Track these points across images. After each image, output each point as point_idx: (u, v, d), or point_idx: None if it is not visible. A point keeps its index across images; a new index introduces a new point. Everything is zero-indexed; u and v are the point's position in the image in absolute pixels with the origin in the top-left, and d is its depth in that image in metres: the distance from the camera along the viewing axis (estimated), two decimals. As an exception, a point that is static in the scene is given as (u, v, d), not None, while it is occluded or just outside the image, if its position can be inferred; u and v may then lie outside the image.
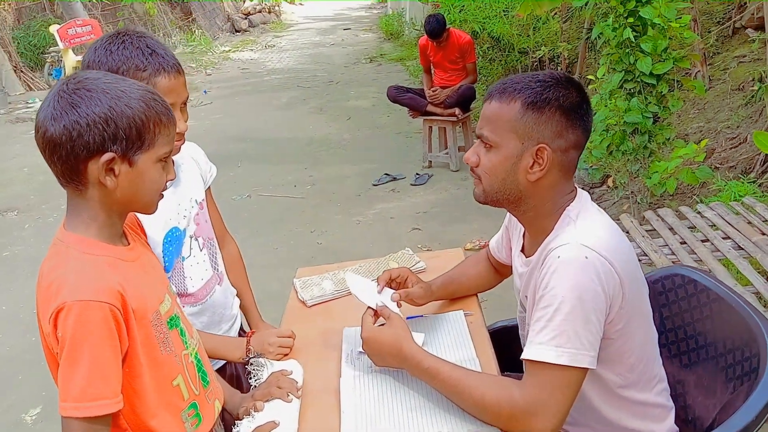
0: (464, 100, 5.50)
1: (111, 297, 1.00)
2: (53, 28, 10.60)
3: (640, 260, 2.30)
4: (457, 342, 1.50)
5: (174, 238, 1.49)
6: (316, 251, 4.31)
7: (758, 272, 2.50)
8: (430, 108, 5.58)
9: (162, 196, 1.13)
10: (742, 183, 3.74)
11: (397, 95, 5.72)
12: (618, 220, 3.21)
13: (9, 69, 11.06)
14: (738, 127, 4.50)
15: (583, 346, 1.16)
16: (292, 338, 1.57)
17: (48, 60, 11.52)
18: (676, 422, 1.42)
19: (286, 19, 20.93)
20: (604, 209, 1.51)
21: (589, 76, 4.05)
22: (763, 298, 2.40)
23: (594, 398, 1.34)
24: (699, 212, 3.13)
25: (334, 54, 13.46)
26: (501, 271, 1.71)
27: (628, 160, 3.69)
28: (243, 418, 1.31)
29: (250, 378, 1.47)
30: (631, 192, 3.91)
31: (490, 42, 7.22)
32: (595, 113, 3.49)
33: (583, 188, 1.39)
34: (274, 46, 15.42)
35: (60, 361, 0.99)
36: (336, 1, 24.04)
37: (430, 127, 5.71)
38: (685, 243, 2.79)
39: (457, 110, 5.46)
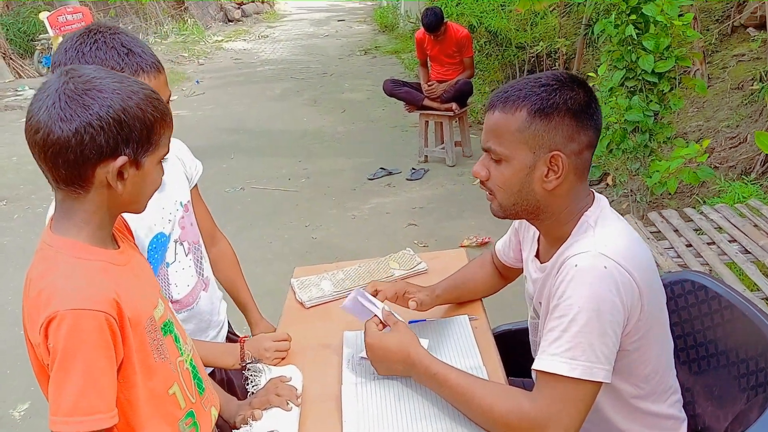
0: (461, 95, 5.45)
1: (106, 305, 0.94)
2: (43, 15, 10.43)
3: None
4: (462, 348, 1.46)
5: (159, 244, 1.43)
6: (311, 246, 4.26)
7: (766, 277, 2.47)
8: (426, 102, 5.53)
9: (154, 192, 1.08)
10: (745, 184, 3.71)
11: (394, 89, 5.66)
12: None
13: (-2, 56, 10.90)
14: (738, 126, 4.48)
15: (598, 360, 1.12)
16: (288, 341, 1.52)
17: (38, 47, 11.37)
18: (685, 431, 1.39)
19: (279, 9, 20.79)
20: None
21: (589, 74, 4.01)
22: (772, 304, 2.38)
23: (607, 409, 1.30)
24: (704, 214, 3.10)
25: (328, 45, 13.37)
26: (506, 275, 1.66)
27: (628, 158, 3.66)
28: (240, 427, 1.27)
29: (247, 384, 1.42)
30: (630, 190, 3.88)
31: (487, 36, 7.16)
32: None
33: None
34: (267, 36, 15.31)
35: (51, 373, 0.93)
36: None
37: (427, 122, 5.66)
38: (690, 246, 2.76)
39: (454, 105, 5.41)
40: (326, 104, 8.23)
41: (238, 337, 1.74)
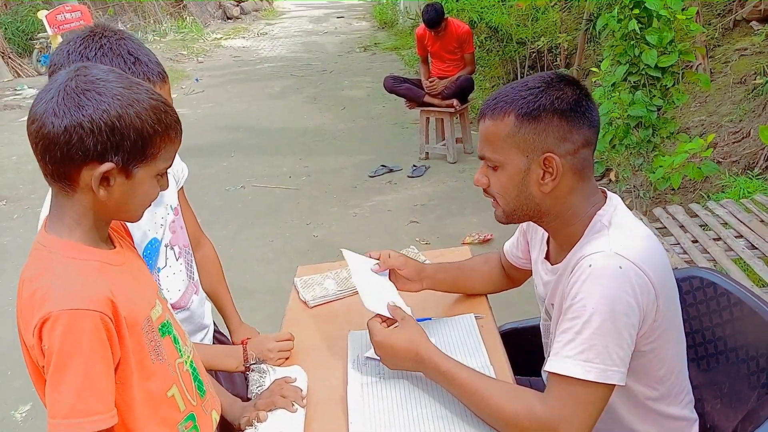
0: (462, 91, 5.43)
1: (101, 305, 0.93)
2: (42, 14, 10.40)
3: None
4: (469, 347, 1.44)
5: (153, 250, 1.41)
6: (313, 244, 4.24)
7: (774, 273, 2.46)
8: (427, 99, 5.51)
9: (149, 205, 1.05)
10: (749, 179, 3.69)
11: (394, 85, 5.64)
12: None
13: (-3, 55, 10.88)
14: (741, 121, 4.45)
15: (613, 362, 1.10)
16: (291, 341, 1.51)
17: (36, 46, 11.35)
18: (694, 430, 1.37)
19: (278, 6, 20.76)
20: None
21: (592, 69, 3.99)
22: (780, 300, 2.36)
23: (621, 410, 1.28)
24: (709, 210, 3.08)
25: (328, 42, 13.35)
26: (513, 276, 1.64)
27: (631, 153, 3.63)
28: (245, 428, 1.25)
29: (251, 384, 1.40)
30: (633, 186, 3.86)
31: (488, 32, 7.13)
32: (599, 106, 3.42)
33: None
34: (266, 33, 15.28)
35: (47, 376, 0.91)
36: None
37: (428, 118, 5.64)
38: (696, 242, 2.74)
39: (455, 101, 5.38)
40: (326, 101, 8.21)
41: (225, 337, 1.73)
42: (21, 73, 11.17)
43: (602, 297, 1.10)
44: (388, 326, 1.36)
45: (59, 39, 10.44)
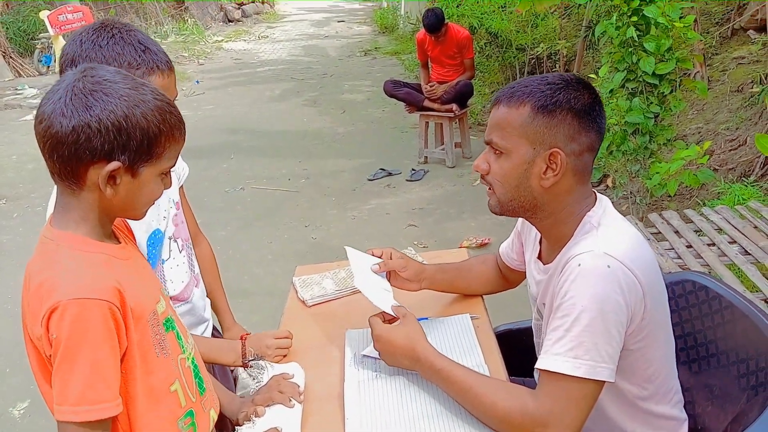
0: (462, 96, 5.46)
1: (109, 294, 0.95)
2: (43, 14, 10.43)
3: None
4: (464, 347, 1.46)
5: (156, 241, 1.44)
6: (311, 246, 4.26)
7: (766, 278, 2.48)
8: (426, 103, 5.53)
9: (154, 203, 1.08)
10: (745, 186, 3.72)
11: (394, 89, 5.67)
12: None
13: (-2, 55, 10.90)
14: (737, 129, 4.49)
15: (602, 359, 1.12)
16: (289, 339, 1.53)
17: (38, 46, 11.37)
18: (685, 431, 1.39)
19: (279, 9, 20.81)
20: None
21: (590, 75, 4.02)
22: (772, 305, 2.38)
23: (609, 409, 1.30)
24: (704, 215, 3.11)
25: (328, 46, 13.39)
26: (508, 277, 1.66)
27: (628, 160, 3.66)
28: (243, 423, 1.26)
29: (246, 382, 1.42)
30: (630, 192, 3.89)
31: (487, 38, 7.17)
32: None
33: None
34: (267, 37, 15.32)
35: (54, 364, 0.93)
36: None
37: (427, 123, 5.67)
38: (691, 247, 2.77)
39: (454, 106, 5.41)
40: (326, 105, 8.24)
41: (220, 334, 1.76)
42: (22, 73, 11.18)
43: (591, 295, 1.13)
44: (390, 323, 1.38)
45: (60, 39, 10.47)
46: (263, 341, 1.49)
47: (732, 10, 5.68)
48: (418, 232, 4.35)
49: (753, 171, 3.99)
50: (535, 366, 1.19)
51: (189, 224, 1.64)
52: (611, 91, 3.55)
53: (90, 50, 1.22)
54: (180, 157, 1.62)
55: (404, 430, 1.23)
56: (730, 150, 4.35)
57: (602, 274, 1.13)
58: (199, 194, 5.15)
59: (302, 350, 1.53)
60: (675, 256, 2.71)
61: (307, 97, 8.79)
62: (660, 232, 2.97)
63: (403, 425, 1.24)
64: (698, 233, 2.92)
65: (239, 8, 17.79)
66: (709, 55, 5.48)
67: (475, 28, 6.81)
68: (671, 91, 3.46)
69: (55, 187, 1.03)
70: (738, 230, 2.88)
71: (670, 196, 3.65)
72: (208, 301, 1.71)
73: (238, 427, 1.26)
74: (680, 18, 3.32)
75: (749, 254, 2.67)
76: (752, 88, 4.66)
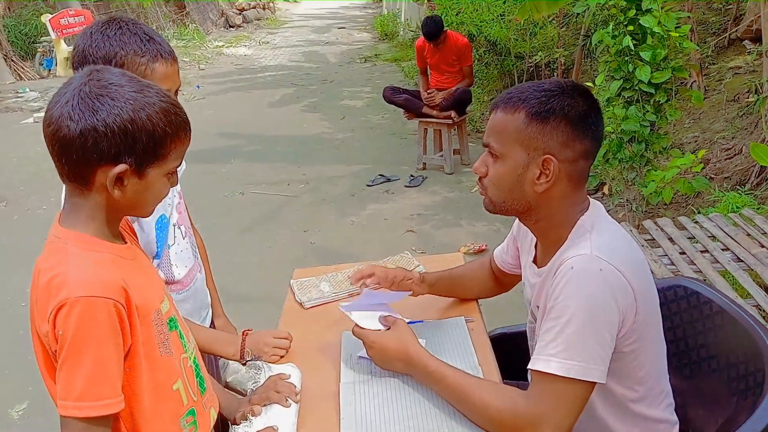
0: (460, 103, 5.49)
1: (115, 293, 0.97)
2: (45, 18, 10.48)
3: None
4: (458, 349, 1.48)
5: (162, 225, 1.49)
6: (309, 251, 4.28)
7: (758, 285, 2.51)
8: (425, 110, 5.57)
9: (160, 201, 1.10)
10: (740, 194, 3.75)
11: (393, 96, 5.70)
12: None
13: (-1, 58, 10.93)
14: (733, 138, 4.52)
15: (593, 360, 1.14)
16: (288, 340, 1.55)
17: (39, 50, 11.41)
18: (676, 435, 1.41)
19: (280, 16, 20.89)
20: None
21: (587, 84, 4.05)
22: (763, 311, 2.41)
23: (601, 411, 1.32)
24: (698, 223, 3.14)
25: (329, 53, 13.44)
26: (502, 281, 1.69)
27: (625, 168, 3.69)
28: (240, 423, 1.28)
29: (250, 382, 1.44)
30: (626, 200, 3.91)
31: (486, 46, 7.21)
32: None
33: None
34: (268, 42, 15.37)
35: (59, 359, 0.95)
36: (331, 0, 24.01)
37: (426, 129, 5.70)
38: (684, 253, 2.80)
39: (452, 113, 5.44)
40: (326, 111, 8.27)
41: (213, 322, 1.79)
42: (23, 76, 11.22)
43: (583, 298, 1.15)
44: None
45: (62, 43, 10.51)
46: (262, 339, 1.52)
47: (728, 21, 5.73)
48: (415, 237, 4.37)
49: (748, 180, 4.02)
50: (528, 367, 1.21)
51: None
52: (608, 99, 3.58)
53: (99, 41, 1.28)
54: None
55: (398, 429, 1.25)
56: (726, 159, 4.38)
57: (594, 277, 1.16)
58: (198, 198, 5.17)
59: (299, 351, 1.55)
60: (668, 262, 2.74)
61: (307, 102, 8.83)
62: (654, 239, 3.00)
63: (397, 425, 1.26)
64: (692, 240, 2.95)
65: (240, 14, 17.86)
66: (706, 65, 5.53)
67: (474, 35, 6.85)
68: (667, 100, 3.49)
69: (64, 187, 1.05)
70: (731, 237, 2.91)
71: (666, 203, 3.68)
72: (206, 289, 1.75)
73: (235, 426, 1.28)
74: (676, 28, 3.36)
75: (741, 261, 2.69)
76: (748, 97, 4.69)
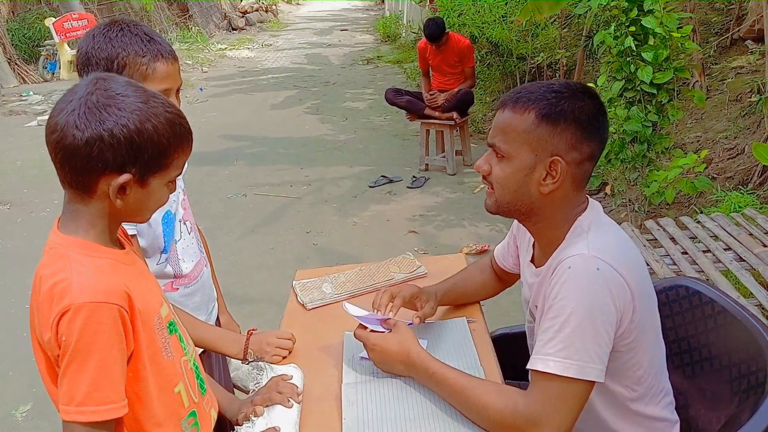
0: (462, 105, 5.50)
1: (119, 298, 0.98)
2: (49, 21, 10.53)
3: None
4: (460, 349, 1.49)
5: (169, 221, 1.51)
6: (312, 252, 4.29)
7: (761, 285, 2.50)
8: (427, 111, 5.58)
9: (159, 208, 1.11)
10: (742, 194, 3.75)
11: (395, 98, 5.71)
12: (617, 228, 3.21)
13: (3, 61, 10.98)
14: (736, 138, 4.51)
15: (591, 359, 1.14)
16: (291, 341, 1.55)
17: (43, 53, 11.46)
18: (678, 435, 1.41)
19: (283, 18, 20.92)
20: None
21: (589, 84, 4.04)
22: (766, 311, 2.40)
23: (600, 410, 1.32)
24: (700, 222, 3.13)
25: (331, 55, 13.46)
26: (504, 279, 1.69)
27: (627, 168, 3.69)
28: (242, 423, 1.29)
29: (251, 383, 1.45)
30: (629, 200, 3.91)
31: (488, 47, 7.21)
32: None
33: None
34: (270, 45, 15.40)
35: (61, 365, 0.95)
36: (333, 2, 24.05)
37: (428, 131, 5.71)
38: (686, 253, 2.79)
39: (454, 114, 5.45)
40: (328, 112, 8.29)
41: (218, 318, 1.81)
42: (27, 80, 11.27)
43: (581, 297, 1.15)
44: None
45: (66, 46, 10.55)
46: (265, 339, 1.52)
47: (731, 21, 5.71)
48: (418, 238, 4.37)
49: (751, 179, 4.01)
50: (527, 366, 1.21)
51: None
52: (610, 100, 3.58)
53: (101, 43, 1.31)
54: None
55: (400, 430, 1.25)
56: (728, 159, 4.38)
57: (592, 277, 1.16)
58: (201, 200, 5.20)
59: (301, 352, 1.55)
60: (670, 262, 2.74)
61: (310, 104, 8.85)
62: (656, 239, 2.99)
63: (399, 426, 1.26)
64: (694, 240, 2.95)
65: (243, 16, 17.90)
66: (708, 65, 5.52)
67: (475, 37, 6.85)
68: (669, 101, 3.49)
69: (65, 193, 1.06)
70: (733, 237, 2.90)
71: (668, 203, 3.67)
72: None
73: (238, 427, 1.29)
74: (678, 28, 3.35)
75: (744, 261, 2.69)
76: (750, 97, 4.68)
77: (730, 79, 5.14)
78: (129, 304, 0.99)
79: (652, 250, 2.83)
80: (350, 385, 1.39)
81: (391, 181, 5.50)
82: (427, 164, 5.75)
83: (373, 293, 1.67)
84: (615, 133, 3.59)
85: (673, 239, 2.96)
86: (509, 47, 6.78)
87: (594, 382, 1.16)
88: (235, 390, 1.70)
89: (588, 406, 1.20)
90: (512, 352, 1.62)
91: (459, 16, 7.06)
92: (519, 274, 1.60)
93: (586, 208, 1.30)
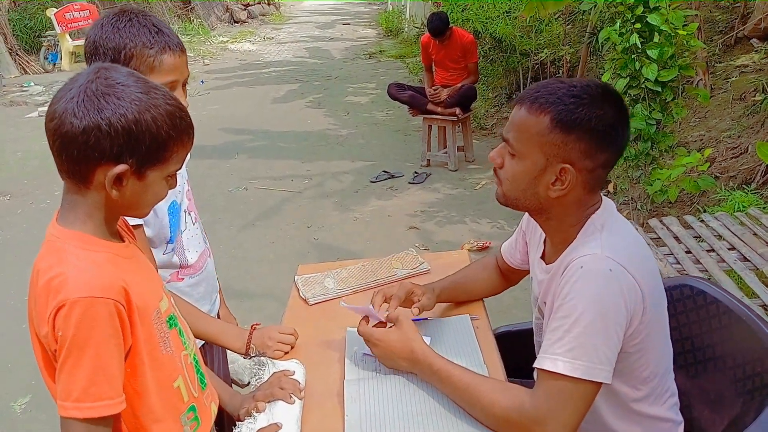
0: (465, 100, 5.48)
1: (115, 293, 0.96)
2: (50, 12, 10.52)
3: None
4: (463, 347, 1.48)
5: (174, 211, 1.50)
6: (313, 247, 4.28)
7: (765, 284, 2.49)
8: (430, 107, 5.56)
9: (158, 203, 1.10)
10: (745, 193, 3.73)
11: (398, 93, 5.69)
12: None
13: (4, 51, 10.95)
14: (739, 136, 4.50)
15: (599, 360, 1.13)
16: (294, 336, 1.55)
17: (44, 44, 11.44)
18: (682, 435, 1.40)
19: (285, 11, 20.87)
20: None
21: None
22: (770, 311, 2.39)
23: (604, 409, 1.32)
24: (704, 222, 3.12)
25: (333, 49, 13.43)
26: (509, 277, 1.68)
27: (630, 166, 3.68)
28: (244, 419, 1.28)
29: (253, 378, 1.44)
30: (631, 198, 3.90)
31: (491, 42, 7.18)
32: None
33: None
34: (272, 38, 15.38)
35: (59, 360, 0.94)
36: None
37: (430, 126, 5.69)
38: (690, 253, 2.79)
39: (457, 110, 5.43)
40: (330, 107, 8.27)
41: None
42: (28, 70, 11.24)
43: (592, 297, 1.14)
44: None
45: (67, 37, 10.53)
46: (267, 334, 1.52)
47: (736, 19, 5.69)
48: (419, 234, 4.36)
49: (754, 179, 4.00)
50: (534, 365, 1.20)
51: None
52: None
53: (109, 32, 1.29)
54: None
55: (403, 427, 1.24)
56: (732, 158, 4.36)
57: (603, 277, 1.15)
58: (202, 193, 5.18)
59: (303, 348, 1.54)
60: (674, 261, 2.73)
61: (311, 98, 8.83)
62: (660, 238, 2.99)
63: (401, 422, 1.26)
64: (698, 239, 2.94)
65: (245, 9, 17.86)
66: (713, 63, 5.50)
67: (479, 32, 6.83)
68: (673, 98, 3.47)
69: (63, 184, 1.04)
70: (737, 237, 2.89)
71: (671, 202, 3.66)
72: None
73: (239, 423, 1.28)
74: (684, 26, 3.34)
75: (748, 260, 2.68)
76: (755, 96, 4.67)
77: (734, 78, 5.12)
78: (126, 298, 0.98)
79: (655, 249, 2.83)
80: (352, 382, 1.38)
81: (392, 177, 5.49)
82: (428, 160, 5.74)
83: (375, 289, 1.66)
84: (619, 130, 3.57)
85: (676, 238, 2.95)
86: (513, 43, 6.75)
87: (601, 383, 1.15)
88: (232, 384, 1.70)
89: (592, 408, 1.19)
90: (515, 350, 1.61)
91: (462, 11, 7.05)
92: (524, 273, 1.59)
93: (599, 207, 1.28)
